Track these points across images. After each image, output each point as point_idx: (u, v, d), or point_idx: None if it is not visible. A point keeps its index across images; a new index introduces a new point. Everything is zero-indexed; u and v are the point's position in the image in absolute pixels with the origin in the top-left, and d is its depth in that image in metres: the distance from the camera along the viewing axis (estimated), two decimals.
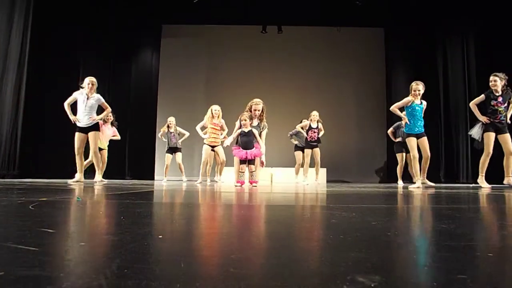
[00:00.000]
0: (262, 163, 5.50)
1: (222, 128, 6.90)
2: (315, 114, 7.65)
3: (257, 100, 5.49)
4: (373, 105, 10.36)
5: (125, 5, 9.51)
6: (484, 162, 5.26)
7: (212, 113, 6.66)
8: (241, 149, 5.20)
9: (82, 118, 5.44)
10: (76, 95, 5.49)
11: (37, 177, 7.34)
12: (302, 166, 7.88)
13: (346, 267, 0.70)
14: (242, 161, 5.25)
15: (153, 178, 9.67)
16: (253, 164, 5.20)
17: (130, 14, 9.65)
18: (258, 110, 5.42)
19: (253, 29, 10.53)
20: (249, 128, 5.18)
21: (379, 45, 10.67)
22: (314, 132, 7.61)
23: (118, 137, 7.32)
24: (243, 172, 5.21)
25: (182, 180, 7.91)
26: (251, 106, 5.47)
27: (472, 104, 5.45)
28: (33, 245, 0.82)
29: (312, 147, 7.63)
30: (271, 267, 0.72)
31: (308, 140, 7.62)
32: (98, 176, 5.69)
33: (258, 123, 5.46)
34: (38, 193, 2.86)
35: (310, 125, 7.63)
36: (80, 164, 5.52)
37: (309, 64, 10.77)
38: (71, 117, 5.44)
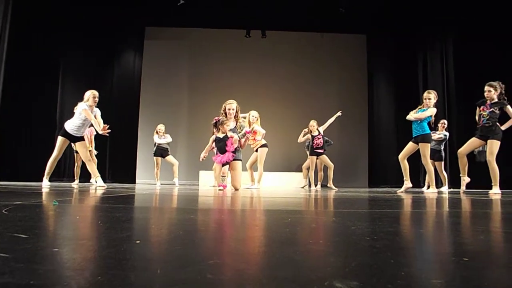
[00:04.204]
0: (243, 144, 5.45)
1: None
2: (312, 125, 7.75)
3: (230, 100, 5.48)
4: (355, 109, 10.48)
5: (108, 6, 9.38)
6: None
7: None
8: (219, 155, 5.08)
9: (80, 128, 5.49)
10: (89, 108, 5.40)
11: (12, 180, 7.13)
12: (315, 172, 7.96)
13: (324, 272, 0.70)
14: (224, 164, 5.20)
15: (134, 182, 9.53)
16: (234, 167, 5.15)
17: (113, 15, 9.53)
18: (232, 109, 5.36)
19: (237, 33, 10.54)
20: (224, 134, 5.07)
21: (361, 51, 10.85)
22: (318, 138, 7.71)
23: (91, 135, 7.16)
24: (224, 176, 5.17)
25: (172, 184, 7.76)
26: (225, 107, 5.43)
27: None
28: (3, 251, 0.80)
29: (317, 154, 7.76)
30: (249, 272, 0.71)
31: (314, 147, 7.73)
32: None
33: (235, 126, 5.35)
34: (13, 197, 2.78)
35: (312, 136, 7.75)
36: (93, 168, 5.52)
37: (292, 68, 10.84)
38: (101, 127, 5.35)
